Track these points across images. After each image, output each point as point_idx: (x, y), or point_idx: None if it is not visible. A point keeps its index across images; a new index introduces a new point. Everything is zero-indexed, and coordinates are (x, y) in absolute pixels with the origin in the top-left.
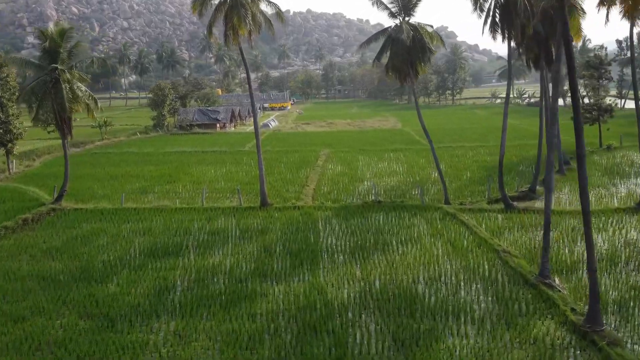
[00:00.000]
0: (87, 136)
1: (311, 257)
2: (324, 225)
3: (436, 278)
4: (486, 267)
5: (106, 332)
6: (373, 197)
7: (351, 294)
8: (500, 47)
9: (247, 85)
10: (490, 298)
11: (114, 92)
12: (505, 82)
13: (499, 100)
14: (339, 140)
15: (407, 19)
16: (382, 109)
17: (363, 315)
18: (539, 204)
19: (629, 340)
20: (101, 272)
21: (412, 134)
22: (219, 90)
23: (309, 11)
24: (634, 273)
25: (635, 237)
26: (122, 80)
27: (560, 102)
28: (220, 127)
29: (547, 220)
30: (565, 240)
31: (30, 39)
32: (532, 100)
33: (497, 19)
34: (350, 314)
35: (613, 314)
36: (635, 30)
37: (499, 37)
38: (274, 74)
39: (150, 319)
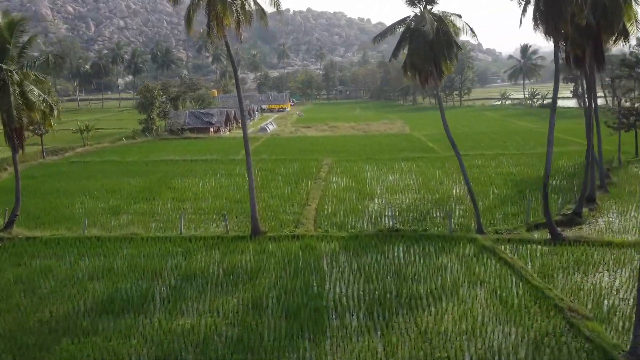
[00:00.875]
0: (69, 142)
1: (314, 318)
2: (329, 264)
3: (488, 359)
4: (553, 339)
5: None
6: (388, 222)
7: None
8: (503, 47)
9: (246, 86)
10: None
11: (109, 92)
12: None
13: (508, 102)
14: (343, 147)
15: (429, 7)
16: (386, 111)
17: None
18: (588, 229)
19: None
20: (32, 341)
21: (422, 139)
22: (215, 91)
23: (309, 10)
24: None
25: None
26: (119, 80)
27: (573, 102)
28: (214, 131)
29: None
30: None
31: (25, 38)
32: (545, 101)
33: (541, 6)
34: None
35: None
36: None
37: (534, 29)
38: (273, 74)
39: None
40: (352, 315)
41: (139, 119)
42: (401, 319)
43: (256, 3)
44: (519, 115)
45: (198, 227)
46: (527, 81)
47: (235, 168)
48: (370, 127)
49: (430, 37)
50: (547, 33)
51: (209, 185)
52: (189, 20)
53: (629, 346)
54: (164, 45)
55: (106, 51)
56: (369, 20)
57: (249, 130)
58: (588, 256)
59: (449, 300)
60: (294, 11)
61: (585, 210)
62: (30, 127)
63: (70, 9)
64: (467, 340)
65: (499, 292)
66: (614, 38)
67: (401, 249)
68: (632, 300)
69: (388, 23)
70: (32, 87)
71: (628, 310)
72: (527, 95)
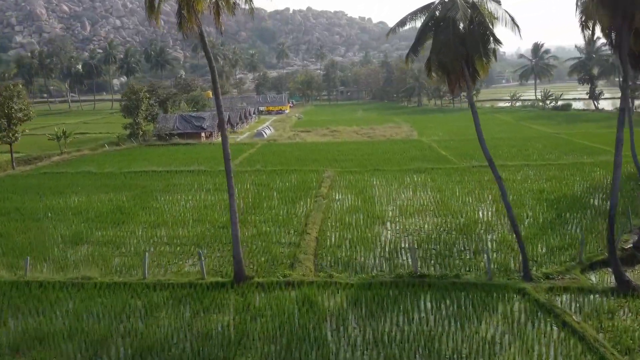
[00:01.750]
0: (45, 149)
1: None
2: (335, 332)
3: None
4: None
5: None
6: (405, 257)
7: None
8: (505, 47)
9: (244, 87)
10: None
11: (104, 93)
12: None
13: (519, 103)
14: (346, 155)
15: None
16: (390, 113)
17: None
18: None
19: None
20: None
21: (433, 146)
22: (210, 92)
23: (309, 9)
24: None
25: None
26: (114, 81)
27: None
28: (206, 137)
29: None
30: None
31: (19, 38)
32: (559, 103)
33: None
34: None
35: None
36: None
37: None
38: (272, 74)
39: None
40: None
41: (124, 124)
42: None
43: None
44: (532, 118)
45: (169, 265)
46: (536, 81)
47: (224, 182)
48: (375, 131)
49: (462, 29)
50: (609, 27)
51: (191, 204)
52: (150, 6)
53: None
54: (159, 45)
55: (100, 51)
56: (370, 19)
57: (244, 135)
58: None
59: None
60: (294, 10)
61: None
62: None
63: (65, 8)
64: None
65: None
66: None
67: (429, 305)
68: None
69: (390, 23)
70: None
71: None
72: (539, 97)
